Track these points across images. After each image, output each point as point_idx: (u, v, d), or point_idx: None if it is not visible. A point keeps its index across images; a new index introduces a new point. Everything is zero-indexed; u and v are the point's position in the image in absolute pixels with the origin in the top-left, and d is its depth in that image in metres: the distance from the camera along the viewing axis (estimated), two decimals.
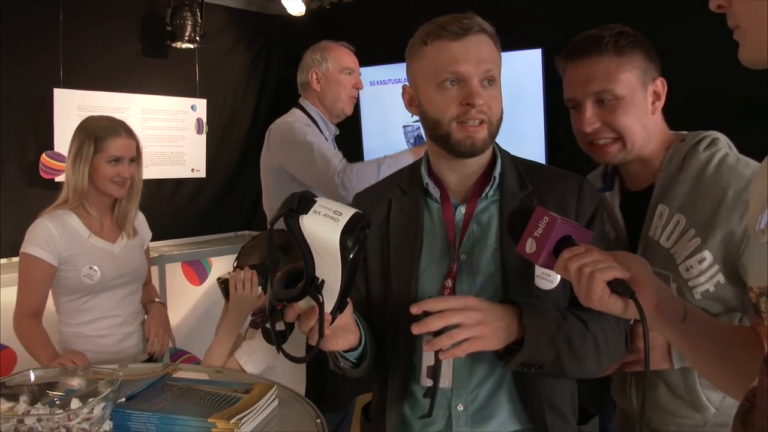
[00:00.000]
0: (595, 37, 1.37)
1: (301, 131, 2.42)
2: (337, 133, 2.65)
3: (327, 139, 2.55)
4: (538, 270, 1.24)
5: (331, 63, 2.53)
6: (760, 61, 0.73)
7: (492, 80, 1.26)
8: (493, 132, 1.28)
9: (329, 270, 1.00)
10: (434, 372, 1.18)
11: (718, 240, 1.27)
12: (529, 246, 1.07)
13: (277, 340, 1.06)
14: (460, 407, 1.27)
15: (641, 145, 1.39)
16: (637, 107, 1.36)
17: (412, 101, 1.34)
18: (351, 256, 0.98)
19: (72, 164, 2.09)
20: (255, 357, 1.90)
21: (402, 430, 1.32)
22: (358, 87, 2.61)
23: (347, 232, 0.97)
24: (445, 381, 1.26)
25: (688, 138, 1.39)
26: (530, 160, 1.40)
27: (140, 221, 2.33)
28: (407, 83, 1.36)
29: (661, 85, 1.39)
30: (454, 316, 1.12)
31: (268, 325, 1.07)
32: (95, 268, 2.08)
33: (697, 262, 1.29)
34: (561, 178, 1.35)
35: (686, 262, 1.31)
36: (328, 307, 1.03)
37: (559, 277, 1.20)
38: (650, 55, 1.38)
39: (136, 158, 2.18)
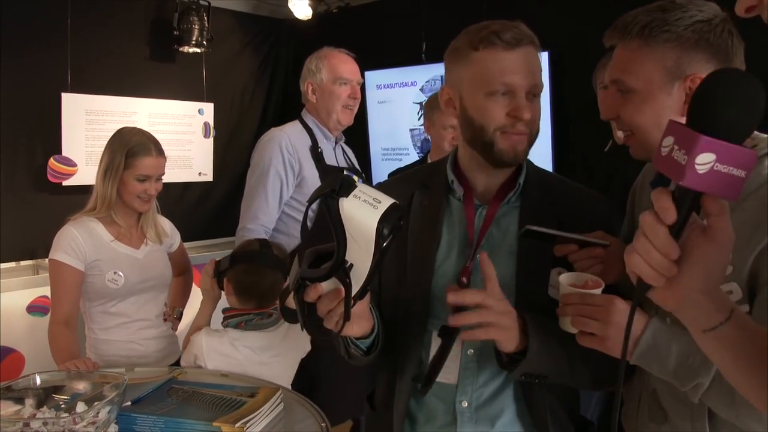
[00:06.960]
0: (625, 20, 1.16)
1: (267, 164, 2.45)
2: (344, 140, 2.63)
3: (332, 148, 2.53)
4: (552, 280, 1.24)
5: (325, 73, 2.47)
6: None
7: (537, 94, 1.27)
8: (532, 143, 1.30)
9: (360, 255, 1.00)
10: (438, 357, 1.21)
11: (749, 266, 1.01)
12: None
13: (303, 316, 1.06)
14: (464, 404, 1.28)
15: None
16: (654, 104, 1.15)
17: (450, 103, 1.34)
18: (384, 244, 0.98)
19: (102, 176, 2.14)
20: (188, 353, 1.97)
21: (408, 422, 1.33)
22: (354, 97, 2.52)
23: (385, 220, 0.97)
24: (450, 377, 1.27)
25: (759, 146, 1.09)
26: (554, 174, 1.43)
27: (168, 227, 2.36)
28: (446, 85, 1.35)
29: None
30: (490, 315, 1.13)
31: (286, 304, 1.06)
32: (119, 273, 2.12)
33: None
34: (584, 196, 1.37)
35: None
36: (353, 291, 1.03)
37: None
38: (697, 44, 1.11)
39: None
